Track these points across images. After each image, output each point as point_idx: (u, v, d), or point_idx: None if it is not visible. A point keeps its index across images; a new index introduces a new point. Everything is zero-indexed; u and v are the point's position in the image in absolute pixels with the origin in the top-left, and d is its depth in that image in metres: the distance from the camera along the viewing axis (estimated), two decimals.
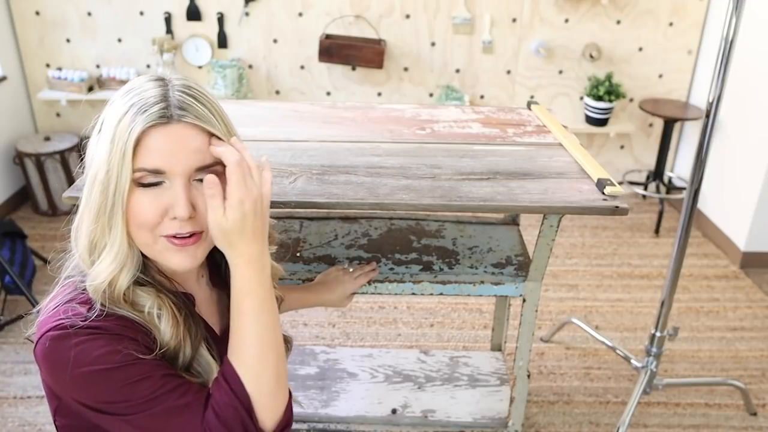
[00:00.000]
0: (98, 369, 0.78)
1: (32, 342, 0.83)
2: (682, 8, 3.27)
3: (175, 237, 0.83)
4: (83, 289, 0.85)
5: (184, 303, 0.90)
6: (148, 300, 0.85)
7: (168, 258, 0.85)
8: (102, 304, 0.82)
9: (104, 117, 0.83)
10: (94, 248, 0.84)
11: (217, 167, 0.83)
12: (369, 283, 1.47)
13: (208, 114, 0.83)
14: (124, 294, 0.83)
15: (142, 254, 0.87)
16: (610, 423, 2.06)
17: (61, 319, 0.80)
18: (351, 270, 1.47)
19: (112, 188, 0.80)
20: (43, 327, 0.81)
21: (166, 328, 0.84)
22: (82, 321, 0.79)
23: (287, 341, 1.10)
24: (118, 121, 0.80)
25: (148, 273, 0.88)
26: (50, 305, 0.84)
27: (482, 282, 1.49)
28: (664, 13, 3.28)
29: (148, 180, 0.81)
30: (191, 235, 0.84)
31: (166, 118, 0.80)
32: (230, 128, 0.87)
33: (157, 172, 0.80)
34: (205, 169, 0.82)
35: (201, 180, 0.82)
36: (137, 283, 0.86)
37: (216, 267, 1.02)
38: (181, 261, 0.85)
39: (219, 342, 0.98)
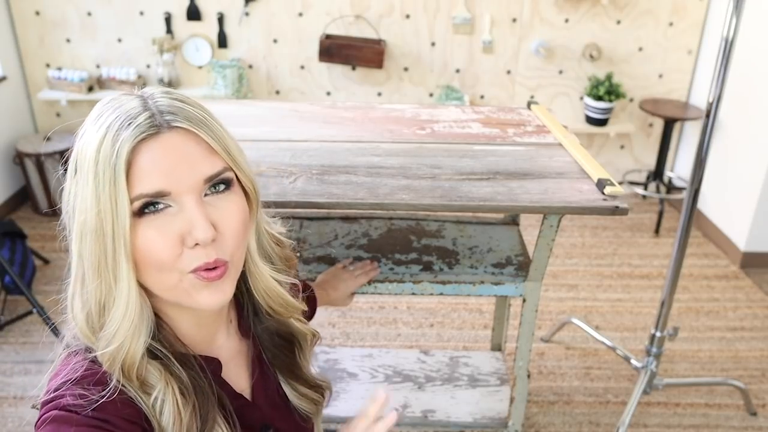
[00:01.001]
0: None
1: (38, 410, 0.70)
2: (682, 8, 3.27)
3: (203, 270, 0.68)
4: (94, 363, 0.70)
5: (198, 378, 0.75)
6: (157, 383, 0.71)
7: (196, 298, 0.70)
8: (117, 380, 0.69)
9: (77, 153, 0.68)
10: (102, 311, 0.69)
11: (227, 174, 0.70)
12: (369, 282, 1.47)
13: (201, 114, 0.69)
14: (138, 366, 0.70)
15: (158, 314, 0.74)
16: (610, 423, 2.06)
17: (67, 399, 0.67)
18: (352, 268, 1.47)
19: (109, 231, 0.65)
20: (48, 405, 0.68)
21: (167, 422, 0.70)
22: (89, 403, 0.67)
23: (326, 388, 0.96)
24: (97, 148, 0.65)
25: (160, 337, 0.73)
26: (55, 382, 0.70)
27: (482, 282, 1.49)
28: (664, 13, 3.28)
29: (150, 209, 0.66)
30: (217, 267, 0.69)
31: (155, 127, 0.66)
32: (226, 131, 0.72)
33: (160, 194, 0.66)
34: (214, 178, 0.69)
35: (214, 191, 0.69)
36: (149, 353, 0.71)
37: (241, 309, 0.86)
38: (210, 298, 0.70)
39: (250, 408, 0.84)
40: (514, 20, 3.28)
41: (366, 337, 2.44)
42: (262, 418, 0.85)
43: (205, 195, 0.69)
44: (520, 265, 1.55)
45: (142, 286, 0.70)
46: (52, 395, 0.68)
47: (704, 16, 3.30)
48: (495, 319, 2.06)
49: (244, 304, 0.84)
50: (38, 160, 3.16)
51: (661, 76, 3.43)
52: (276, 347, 0.87)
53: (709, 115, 1.66)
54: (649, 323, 2.53)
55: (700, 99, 3.36)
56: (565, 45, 3.34)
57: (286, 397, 0.89)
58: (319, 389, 0.92)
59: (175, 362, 0.72)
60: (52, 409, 0.66)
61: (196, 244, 0.67)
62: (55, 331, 2.21)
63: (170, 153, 0.66)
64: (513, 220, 1.77)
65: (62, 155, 3.20)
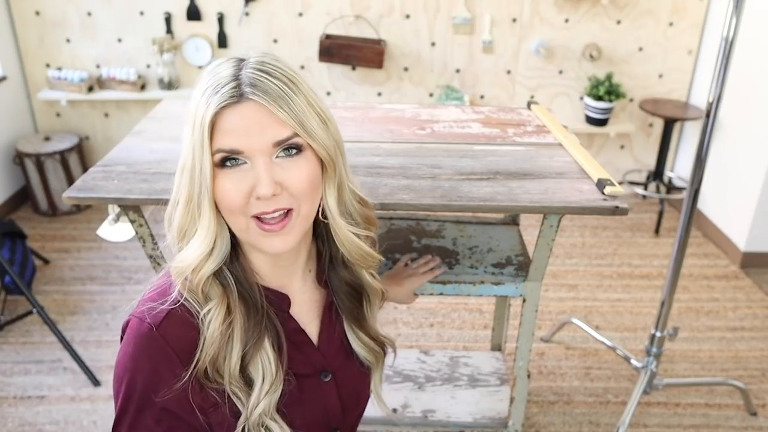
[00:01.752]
0: (118, 370, 0.85)
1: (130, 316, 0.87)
2: (682, 8, 3.27)
3: (263, 222, 0.81)
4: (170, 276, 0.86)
5: (255, 299, 0.87)
6: (215, 298, 0.84)
7: (261, 242, 0.82)
8: (180, 293, 0.83)
9: (189, 104, 0.82)
10: (184, 235, 0.84)
11: (296, 140, 0.80)
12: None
13: (280, 88, 0.79)
14: (203, 283, 0.83)
15: (236, 248, 0.87)
16: (610, 423, 2.06)
17: (146, 305, 0.84)
18: (414, 265, 1.48)
19: (197, 174, 0.79)
20: (136, 308, 0.86)
21: (210, 337, 0.83)
22: (161, 306, 0.83)
23: (388, 343, 1.08)
24: (195, 106, 0.79)
25: (235, 264, 0.87)
26: (150, 288, 0.88)
27: (482, 282, 1.49)
28: (664, 13, 3.28)
29: (229, 163, 0.79)
30: (283, 217, 0.81)
31: (236, 96, 0.78)
32: (313, 100, 0.82)
33: (235, 152, 0.78)
34: (285, 142, 0.79)
35: (286, 155, 0.80)
36: (216, 276, 0.85)
37: (320, 260, 0.97)
38: (273, 244, 0.82)
39: (311, 349, 0.95)
40: (514, 20, 3.28)
41: None
42: (322, 362, 0.95)
43: (277, 157, 0.80)
44: (520, 265, 1.55)
45: (227, 227, 0.84)
46: (141, 299, 0.86)
47: (704, 16, 3.30)
48: (495, 319, 2.06)
49: (324, 254, 0.95)
50: (38, 160, 3.16)
51: (661, 76, 3.43)
52: (345, 295, 0.97)
53: (709, 115, 1.66)
54: (649, 323, 2.53)
55: (700, 99, 3.36)
56: (565, 45, 3.34)
57: (350, 345, 0.99)
58: (382, 344, 1.03)
59: (235, 288, 0.85)
60: (134, 315, 0.84)
61: (259, 197, 0.79)
62: (55, 331, 2.22)
63: (245, 119, 0.77)
64: (513, 220, 1.77)
65: (62, 155, 3.21)
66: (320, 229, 0.93)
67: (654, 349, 1.98)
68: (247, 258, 0.89)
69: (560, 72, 3.41)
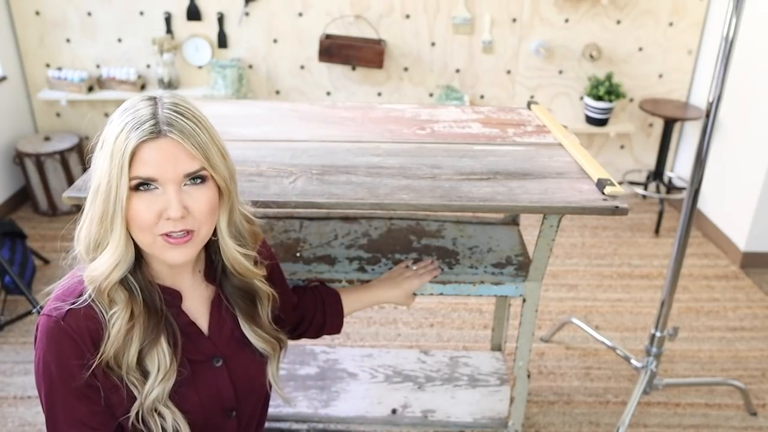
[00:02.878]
0: (35, 368, 0.99)
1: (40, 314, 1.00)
2: (682, 8, 3.27)
3: (169, 236, 0.94)
4: (81, 279, 0.98)
5: (155, 304, 1.01)
6: (120, 303, 0.97)
7: (165, 254, 0.96)
8: (89, 294, 0.96)
9: (104, 135, 0.94)
10: (97, 247, 0.96)
11: (202, 172, 0.94)
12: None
13: (192, 127, 0.93)
14: (110, 288, 0.96)
15: (139, 255, 1.00)
16: (610, 423, 2.06)
17: (53, 304, 0.97)
18: (414, 267, 1.49)
19: (113, 196, 0.91)
20: (46, 306, 0.98)
21: (114, 335, 0.96)
22: (68, 305, 0.96)
23: (282, 338, 1.20)
24: (115, 138, 0.91)
25: (138, 272, 1.00)
26: (58, 287, 1.01)
27: (482, 282, 1.49)
28: (664, 13, 3.28)
29: (143, 188, 0.92)
30: (186, 234, 0.95)
31: (155, 133, 0.91)
32: (215, 137, 0.97)
33: (150, 179, 0.91)
34: (194, 174, 0.94)
35: (192, 183, 0.94)
36: (122, 283, 0.98)
37: (210, 263, 1.10)
38: (176, 256, 0.96)
39: (202, 338, 1.08)
40: (514, 20, 3.28)
41: (366, 337, 2.44)
42: (213, 349, 1.09)
43: (185, 185, 0.94)
44: (520, 265, 1.55)
45: (132, 240, 0.96)
46: (52, 296, 0.99)
47: (704, 16, 3.30)
48: (495, 319, 2.06)
49: (216, 262, 1.09)
50: (38, 160, 3.16)
51: (661, 76, 3.43)
52: (239, 297, 1.11)
53: (709, 115, 1.66)
54: (649, 323, 2.53)
55: (700, 99, 3.36)
56: (565, 45, 3.34)
57: (244, 337, 1.12)
58: (276, 337, 1.17)
59: (140, 293, 0.99)
60: (43, 314, 0.97)
61: (169, 218, 0.92)
62: None
63: (161, 153, 0.91)
64: (513, 220, 1.77)
65: (62, 155, 3.21)
66: (213, 241, 1.05)
67: (654, 349, 1.98)
68: (148, 263, 1.02)
69: (560, 72, 3.41)
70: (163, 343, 1.00)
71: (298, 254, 1.58)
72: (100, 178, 0.92)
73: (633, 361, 2.08)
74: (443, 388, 1.87)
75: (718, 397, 2.17)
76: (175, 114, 0.93)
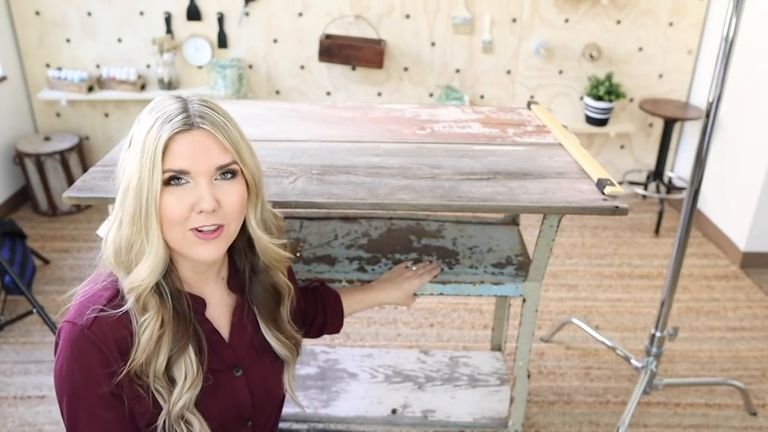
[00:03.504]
0: (57, 374, 0.96)
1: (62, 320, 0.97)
2: (682, 8, 3.27)
3: (200, 231, 0.93)
4: (111, 282, 0.97)
5: (184, 310, 0.99)
6: (152, 309, 0.95)
7: (195, 250, 0.94)
8: (129, 304, 0.94)
9: (133, 133, 0.94)
10: (130, 249, 0.94)
11: (234, 166, 0.94)
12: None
13: (223, 121, 0.93)
14: (145, 295, 0.94)
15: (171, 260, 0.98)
16: (610, 423, 2.06)
17: (78, 311, 0.95)
18: (414, 268, 1.49)
19: (145, 192, 0.89)
20: (70, 312, 0.96)
21: (145, 342, 0.94)
22: (96, 312, 0.93)
23: (299, 340, 1.18)
24: (147, 133, 0.90)
25: (168, 277, 0.97)
26: (83, 290, 0.98)
27: (482, 282, 1.49)
28: (664, 13, 3.28)
29: (174, 182, 0.91)
30: (216, 229, 0.94)
31: (188, 125, 0.91)
32: (243, 134, 0.97)
33: (183, 172, 0.91)
34: (226, 167, 0.93)
35: (222, 178, 0.94)
36: (155, 289, 0.96)
37: (235, 271, 1.09)
38: (206, 252, 0.95)
39: (224, 347, 1.07)
40: (514, 20, 3.28)
41: (366, 337, 2.44)
42: (233, 357, 1.07)
43: (216, 179, 0.94)
44: (520, 265, 1.55)
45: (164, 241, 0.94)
46: (78, 300, 0.96)
47: (704, 16, 3.30)
48: (495, 319, 2.06)
49: (242, 266, 1.08)
50: (38, 160, 3.16)
51: (661, 76, 3.43)
52: (265, 299, 1.10)
53: (709, 115, 1.66)
54: (649, 323, 2.53)
55: (700, 99, 3.36)
56: (565, 45, 3.34)
57: (263, 344, 1.11)
58: (295, 340, 1.16)
59: (170, 298, 0.97)
60: (67, 320, 0.95)
61: (201, 211, 0.92)
62: (55, 331, 2.21)
63: (194, 145, 0.91)
64: (513, 220, 1.77)
65: (62, 155, 3.21)
66: (238, 245, 1.06)
67: (654, 349, 1.98)
68: (175, 268, 1.00)
69: (560, 72, 3.41)
70: (191, 351, 0.98)
71: (298, 254, 1.58)
72: (131, 175, 0.91)
73: (633, 361, 2.08)
74: (443, 388, 1.87)
75: (718, 397, 2.17)
76: (206, 108, 0.93)
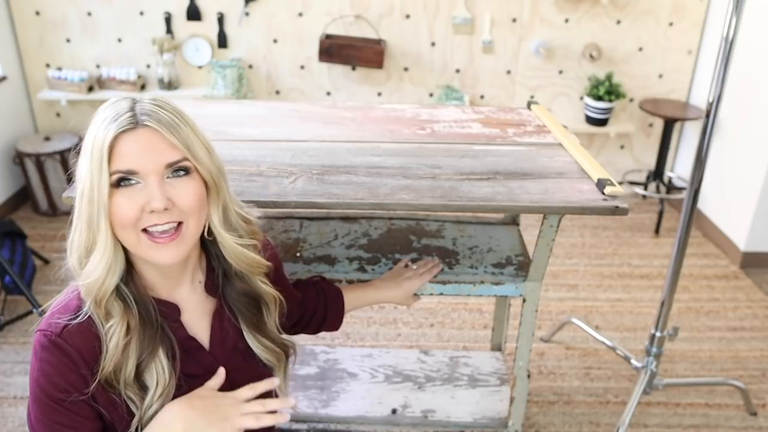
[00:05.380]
0: (31, 383, 0.96)
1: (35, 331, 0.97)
2: (682, 8, 3.27)
3: (155, 237, 0.92)
4: (78, 294, 0.96)
5: (151, 316, 0.97)
6: (116, 316, 0.94)
7: (152, 254, 0.93)
8: (88, 306, 0.94)
9: (85, 137, 0.92)
10: (88, 254, 0.93)
11: (185, 163, 0.92)
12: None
13: (171, 118, 0.91)
14: (106, 300, 0.93)
15: (131, 266, 0.97)
16: (610, 423, 2.06)
17: (49, 320, 0.95)
18: (414, 267, 1.48)
19: (96, 196, 0.88)
20: (41, 323, 0.96)
21: (112, 349, 0.94)
22: (65, 320, 0.94)
23: (289, 346, 1.16)
24: (94, 135, 0.89)
25: (131, 284, 0.97)
26: (54, 303, 0.98)
27: (482, 282, 1.49)
28: (664, 13, 3.28)
29: (124, 183, 0.90)
30: (174, 231, 0.93)
31: (133, 123, 0.89)
32: (198, 132, 0.95)
33: (131, 172, 0.89)
34: (176, 164, 0.91)
35: (175, 175, 0.92)
36: (118, 294, 0.95)
37: (212, 274, 1.07)
38: (165, 256, 0.93)
39: (202, 352, 1.05)
40: (514, 20, 3.28)
41: (366, 337, 2.44)
42: (213, 363, 1.05)
43: (168, 177, 0.91)
44: (520, 265, 1.55)
45: (120, 244, 0.93)
46: (49, 312, 0.97)
47: (704, 16, 3.30)
48: (495, 319, 2.06)
49: (216, 268, 1.06)
50: (38, 160, 3.16)
51: (661, 76, 3.43)
52: (243, 305, 1.07)
53: (709, 115, 1.66)
54: (649, 323, 2.53)
55: (700, 99, 3.36)
56: (565, 45, 3.34)
57: (248, 348, 1.09)
58: (283, 346, 1.13)
59: (134, 304, 0.96)
60: (39, 329, 0.95)
61: (152, 210, 0.90)
62: None
63: (140, 144, 0.89)
64: (513, 220, 1.77)
65: (62, 155, 3.20)
66: (211, 248, 1.04)
67: (654, 349, 1.98)
68: (140, 274, 0.99)
69: (560, 72, 3.41)
70: (162, 357, 0.97)
71: (298, 254, 1.58)
72: (83, 180, 0.90)
73: (633, 361, 2.08)
74: (443, 388, 1.87)
75: (718, 397, 2.17)
76: (153, 106, 0.91)
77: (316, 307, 1.37)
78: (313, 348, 2.04)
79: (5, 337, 2.39)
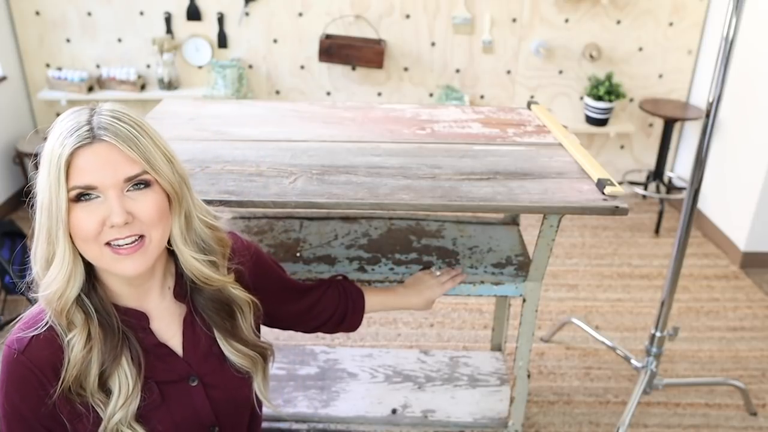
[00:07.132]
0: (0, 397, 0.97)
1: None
2: (682, 8, 3.27)
3: (118, 249, 0.91)
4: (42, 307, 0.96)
5: (112, 324, 0.97)
6: (78, 325, 0.94)
7: (116, 267, 0.92)
8: (49, 316, 0.94)
9: (43, 150, 0.91)
10: (48, 264, 0.93)
11: (144, 176, 0.91)
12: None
13: (128, 131, 0.89)
14: (68, 310, 0.93)
15: (93, 276, 0.97)
16: (610, 423, 2.06)
17: (16, 335, 0.96)
18: (438, 274, 1.47)
19: (54, 210, 0.88)
20: (9, 336, 0.97)
21: (73, 358, 0.94)
22: (31, 333, 0.94)
23: (267, 349, 1.14)
24: (51, 149, 0.88)
25: (92, 294, 0.96)
26: (25, 315, 0.99)
27: (482, 282, 1.49)
28: (664, 13, 3.28)
29: (84, 198, 0.89)
30: (135, 242, 0.92)
31: (90, 138, 0.88)
32: (158, 142, 0.93)
33: (89, 188, 0.88)
34: (135, 178, 0.90)
35: (135, 188, 0.91)
36: (79, 304, 0.95)
37: (181, 280, 1.05)
38: (128, 266, 0.92)
39: (174, 358, 1.04)
40: (514, 20, 3.28)
41: (366, 337, 2.44)
42: (188, 369, 1.04)
43: (128, 190, 0.90)
44: (520, 265, 1.55)
45: (83, 257, 0.93)
46: (11, 333, 0.97)
47: (704, 16, 3.30)
48: (495, 319, 2.06)
49: (184, 274, 1.04)
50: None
51: (661, 76, 3.43)
52: (213, 311, 1.06)
53: (709, 115, 1.66)
54: (649, 323, 2.53)
55: (700, 99, 3.36)
56: (565, 45, 3.34)
57: (222, 353, 1.07)
58: (260, 349, 1.11)
59: (95, 314, 0.95)
60: (5, 344, 0.96)
61: (112, 225, 0.89)
62: None
63: (98, 158, 0.88)
64: (513, 220, 1.77)
65: None
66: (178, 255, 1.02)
67: (654, 349, 1.98)
68: (104, 284, 0.98)
69: (560, 72, 3.41)
70: (125, 365, 0.97)
71: (298, 254, 1.58)
72: (42, 193, 0.89)
73: (633, 361, 2.08)
74: (443, 388, 1.87)
75: (718, 397, 2.17)
76: (111, 119, 0.90)
77: (337, 307, 1.35)
78: (313, 348, 2.04)
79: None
